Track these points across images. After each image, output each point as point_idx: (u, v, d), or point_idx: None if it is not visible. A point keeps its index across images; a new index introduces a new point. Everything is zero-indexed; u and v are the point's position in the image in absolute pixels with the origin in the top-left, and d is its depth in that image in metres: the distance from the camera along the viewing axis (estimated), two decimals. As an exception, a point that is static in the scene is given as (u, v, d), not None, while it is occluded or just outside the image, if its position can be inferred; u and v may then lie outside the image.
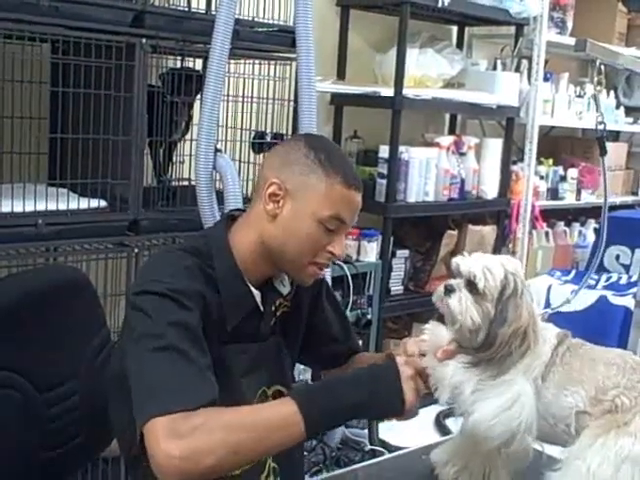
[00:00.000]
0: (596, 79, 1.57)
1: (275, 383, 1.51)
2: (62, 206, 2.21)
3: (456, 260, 1.36)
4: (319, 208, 1.38)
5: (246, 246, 1.43)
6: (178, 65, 2.64)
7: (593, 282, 3.76)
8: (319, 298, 1.62)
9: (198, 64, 2.73)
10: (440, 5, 3.42)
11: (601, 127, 1.70)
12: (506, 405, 1.26)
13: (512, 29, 4.03)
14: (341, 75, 3.68)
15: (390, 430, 3.22)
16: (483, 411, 1.26)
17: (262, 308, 1.46)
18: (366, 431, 3.17)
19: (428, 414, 3.52)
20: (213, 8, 2.64)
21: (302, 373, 2.99)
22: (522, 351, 1.29)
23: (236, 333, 1.41)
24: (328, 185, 1.38)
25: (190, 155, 2.60)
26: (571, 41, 3.86)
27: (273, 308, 1.50)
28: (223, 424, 1.18)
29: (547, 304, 3.63)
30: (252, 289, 1.44)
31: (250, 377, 1.44)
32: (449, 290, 1.33)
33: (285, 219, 1.40)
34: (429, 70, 3.63)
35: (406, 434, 3.19)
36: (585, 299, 3.53)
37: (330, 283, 2.56)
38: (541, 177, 4.38)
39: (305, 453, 2.74)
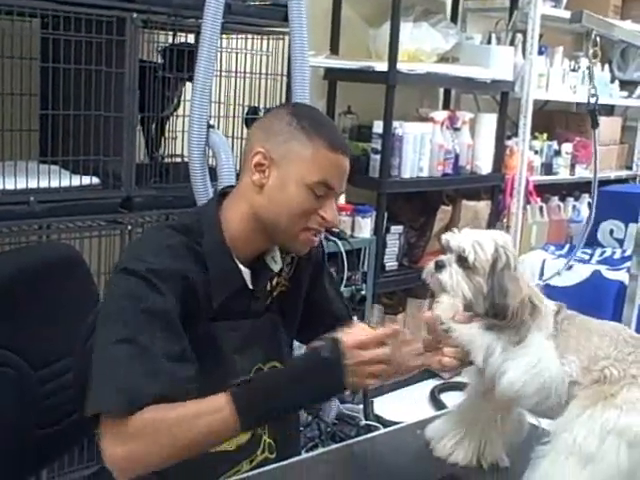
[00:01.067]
0: (591, 51, 1.56)
1: (271, 360, 1.51)
2: (54, 183, 2.20)
3: (446, 236, 1.37)
4: (305, 174, 1.37)
5: (238, 221, 1.42)
6: (170, 40, 2.61)
7: (587, 257, 3.77)
8: (318, 279, 1.61)
9: (190, 39, 2.70)
10: (434, -22, 3.39)
11: (593, 99, 1.69)
12: (535, 361, 1.27)
13: (507, 2, 4.00)
14: (334, 50, 3.65)
15: (385, 405, 3.24)
16: (516, 370, 1.26)
17: (251, 286, 1.45)
18: (361, 406, 3.18)
19: (423, 389, 3.54)
20: (204, -18, 2.61)
21: (298, 350, 3.00)
22: (534, 318, 1.30)
23: (225, 310, 1.41)
24: (313, 150, 1.36)
25: (183, 131, 2.58)
26: (566, 14, 3.83)
27: (269, 287, 1.49)
28: (162, 427, 1.21)
29: (541, 279, 3.63)
30: (241, 266, 1.43)
31: (243, 354, 1.44)
32: (440, 266, 1.34)
33: (272, 188, 1.39)
34: (423, 44, 3.61)
35: (401, 409, 3.20)
36: (579, 274, 3.54)
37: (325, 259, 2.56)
38: (535, 152, 4.37)
39: (301, 429, 2.75)
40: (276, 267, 1.49)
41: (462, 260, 1.32)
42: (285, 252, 1.52)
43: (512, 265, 1.31)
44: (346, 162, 1.41)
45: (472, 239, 1.32)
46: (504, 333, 1.29)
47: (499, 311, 1.28)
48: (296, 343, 1.66)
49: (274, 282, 1.51)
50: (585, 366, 1.28)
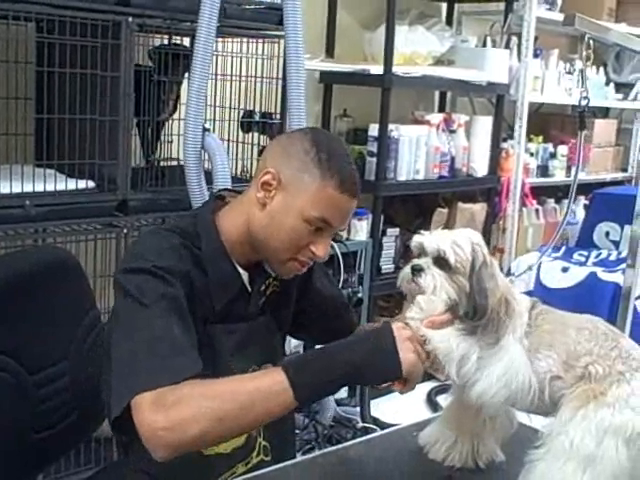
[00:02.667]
0: (585, 54, 1.56)
1: (266, 362, 1.51)
2: (50, 187, 2.20)
3: (418, 239, 1.36)
4: (307, 207, 1.36)
5: (234, 229, 1.43)
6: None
7: (583, 259, 3.77)
8: (309, 279, 1.62)
9: (185, 42, 2.70)
10: (429, -19, 3.40)
11: (585, 102, 1.68)
12: (504, 370, 1.26)
13: (502, 5, 4.01)
14: (330, 53, 3.65)
15: (382, 408, 3.24)
16: (485, 381, 1.26)
17: (249, 288, 1.46)
18: (358, 409, 3.18)
19: (419, 391, 3.54)
20: (200, -15, 2.61)
21: (293, 352, 3.00)
22: (510, 316, 1.30)
23: (224, 313, 1.41)
24: (321, 186, 1.36)
25: (178, 135, 2.58)
26: (561, 17, 3.82)
27: (263, 287, 1.50)
28: (208, 393, 1.16)
29: (537, 281, 3.64)
30: (239, 269, 1.44)
31: (239, 356, 1.45)
32: (417, 270, 1.32)
33: (273, 210, 1.39)
34: (419, 47, 3.61)
35: (398, 411, 3.20)
36: (575, 275, 3.54)
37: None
38: (531, 154, 4.38)
39: (297, 431, 2.75)
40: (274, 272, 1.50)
41: (441, 262, 1.31)
42: None
43: (488, 262, 1.31)
44: (352, 204, 1.40)
45: (449, 239, 1.32)
46: (481, 335, 1.28)
47: (479, 311, 1.28)
48: (293, 344, 1.67)
49: (266, 282, 1.51)
50: (564, 360, 1.28)
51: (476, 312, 1.28)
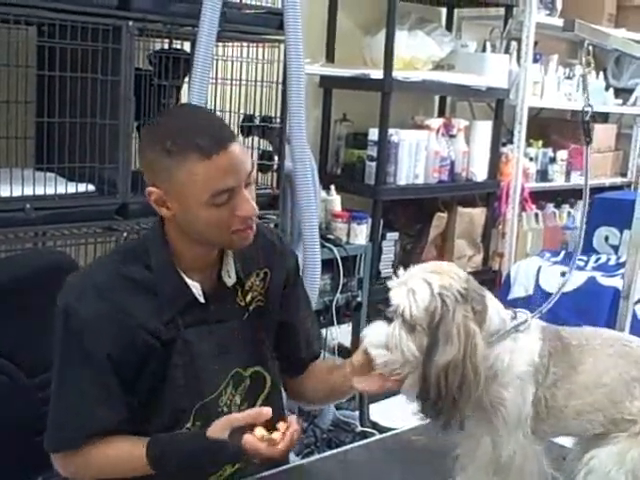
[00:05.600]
0: (584, 60, 1.55)
1: (253, 364, 1.51)
2: (50, 191, 2.20)
3: (389, 284, 1.30)
4: (197, 195, 1.33)
5: (175, 238, 1.43)
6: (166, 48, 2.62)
7: (582, 263, 3.77)
8: (292, 293, 1.61)
9: (186, 47, 2.71)
10: (429, -14, 3.40)
11: (588, 109, 1.63)
12: None
13: (501, 10, 4.01)
14: (330, 57, 3.66)
15: (381, 412, 3.24)
16: None
17: (202, 300, 1.44)
18: (357, 413, 3.18)
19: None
20: (200, -10, 2.62)
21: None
22: (471, 390, 1.17)
23: (192, 319, 1.42)
24: (188, 171, 1.32)
25: (179, 139, 2.58)
26: (560, 22, 3.83)
27: (244, 303, 1.50)
28: (100, 462, 1.40)
29: (537, 286, 3.64)
30: (188, 281, 1.43)
31: (219, 359, 1.45)
32: (388, 318, 1.28)
33: (181, 216, 1.38)
34: (418, 52, 3.62)
35: (397, 415, 3.20)
36: (574, 280, 3.54)
37: (320, 266, 2.57)
38: (530, 159, 4.38)
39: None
40: (230, 282, 1.48)
41: (404, 315, 1.23)
42: (258, 267, 1.53)
43: (450, 314, 1.18)
44: (227, 156, 1.32)
45: (406, 290, 1.23)
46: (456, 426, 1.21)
47: (426, 384, 1.18)
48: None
49: (249, 297, 1.51)
50: (612, 417, 1.22)
51: (424, 386, 1.18)
